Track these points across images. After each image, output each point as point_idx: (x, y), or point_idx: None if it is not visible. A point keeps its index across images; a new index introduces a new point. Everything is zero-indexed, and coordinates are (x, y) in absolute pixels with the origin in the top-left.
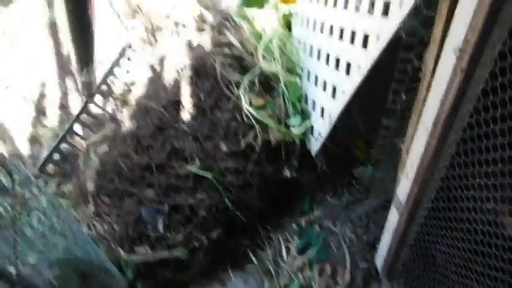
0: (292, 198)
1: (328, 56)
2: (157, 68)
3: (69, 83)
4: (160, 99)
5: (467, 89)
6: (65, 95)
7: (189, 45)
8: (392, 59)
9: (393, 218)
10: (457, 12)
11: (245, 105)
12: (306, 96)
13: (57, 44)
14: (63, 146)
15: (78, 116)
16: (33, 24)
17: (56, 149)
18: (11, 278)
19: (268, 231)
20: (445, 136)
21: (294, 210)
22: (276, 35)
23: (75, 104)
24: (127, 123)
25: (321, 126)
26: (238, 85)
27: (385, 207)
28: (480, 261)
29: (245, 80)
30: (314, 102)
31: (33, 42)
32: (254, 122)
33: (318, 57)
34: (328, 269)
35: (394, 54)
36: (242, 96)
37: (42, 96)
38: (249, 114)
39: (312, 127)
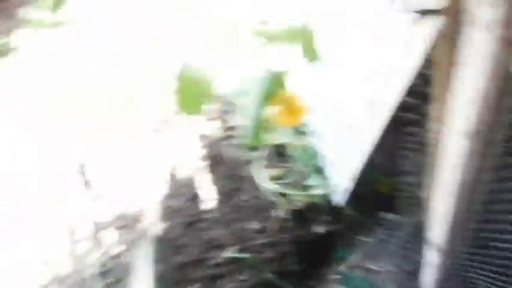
0: (327, 250)
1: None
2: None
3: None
4: (181, 195)
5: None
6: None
7: (202, 136)
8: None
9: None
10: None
11: (260, 183)
12: (318, 154)
13: None
14: None
15: None
16: None
17: None
18: None
19: None
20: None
21: (331, 261)
22: None
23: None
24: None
25: (344, 179)
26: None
27: (414, 235)
28: None
29: (255, 157)
30: (330, 159)
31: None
32: (276, 194)
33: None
34: None
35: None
36: (255, 174)
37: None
38: (268, 189)
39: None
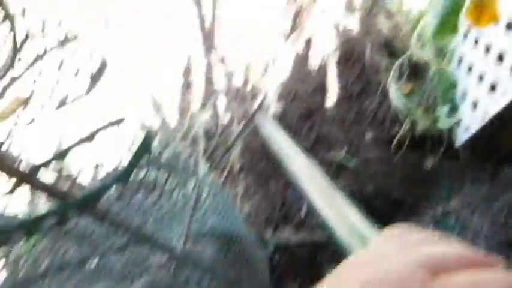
0: (431, 187)
1: (488, 47)
2: (303, 50)
3: (213, 57)
4: (306, 83)
5: None
6: (209, 68)
7: (337, 28)
8: None
9: None
10: None
11: (394, 93)
12: (455, 85)
13: (201, 19)
14: None
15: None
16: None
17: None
18: (174, 253)
19: (402, 221)
20: None
21: (430, 199)
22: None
23: (219, 77)
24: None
25: (472, 120)
26: (386, 71)
27: None
28: None
29: (395, 66)
30: (464, 94)
31: (178, 18)
32: (402, 110)
33: (475, 46)
34: None
35: None
36: (391, 83)
37: (188, 69)
38: (397, 102)
39: (460, 119)
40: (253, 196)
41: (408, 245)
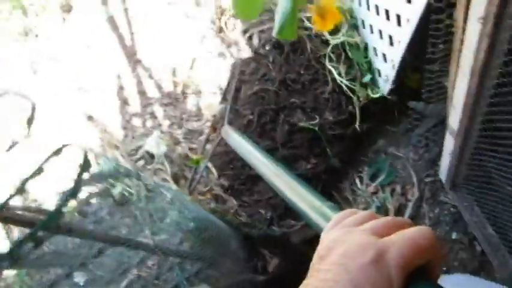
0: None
1: (377, 7)
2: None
3: (140, 71)
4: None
5: (495, 48)
6: (139, 82)
7: None
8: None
9: (449, 142)
10: None
11: (338, 77)
12: (367, 44)
13: (120, 37)
14: None
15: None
16: (94, 24)
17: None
18: (148, 247)
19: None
20: (481, 81)
21: (363, 145)
22: None
23: (150, 88)
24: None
25: (387, 70)
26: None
27: (438, 126)
28: None
29: (328, 52)
30: (375, 49)
31: (99, 41)
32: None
33: (368, 7)
34: (398, 189)
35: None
36: (332, 69)
37: (121, 87)
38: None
39: (379, 71)
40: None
41: (355, 224)
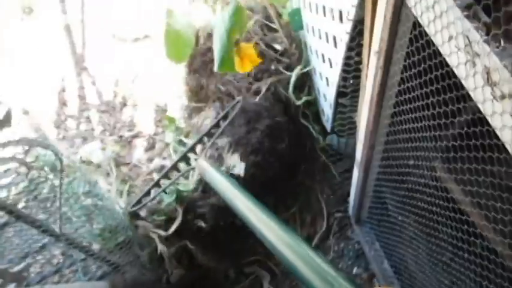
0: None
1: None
2: None
3: (84, 77)
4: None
5: (387, 79)
6: (81, 88)
7: None
8: None
9: (356, 175)
10: (375, 25)
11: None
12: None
13: (72, 44)
14: None
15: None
16: (50, 28)
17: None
18: (54, 233)
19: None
20: (378, 111)
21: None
22: None
23: (91, 94)
24: None
25: (327, 109)
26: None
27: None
28: (420, 210)
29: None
30: (318, 90)
31: (52, 45)
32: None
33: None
34: (308, 220)
35: None
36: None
37: (63, 89)
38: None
39: (323, 109)
40: None
41: None
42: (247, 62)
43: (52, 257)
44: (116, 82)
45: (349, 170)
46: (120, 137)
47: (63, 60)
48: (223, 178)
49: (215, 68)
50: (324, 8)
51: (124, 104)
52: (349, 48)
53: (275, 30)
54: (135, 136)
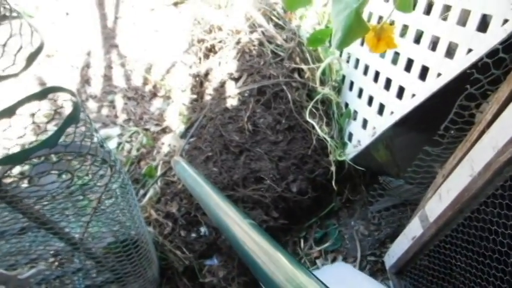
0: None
1: (377, 73)
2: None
3: (113, 56)
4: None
5: None
6: (108, 67)
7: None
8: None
9: (416, 227)
10: None
11: (319, 132)
12: (346, 103)
13: (103, 17)
14: None
15: None
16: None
17: None
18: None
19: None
20: (491, 180)
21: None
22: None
23: (118, 76)
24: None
25: (362, 136)
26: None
27: (397, 208)
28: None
29: (309, 106)
30: (356, 112)
31: (82, 16)
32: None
33: (365, 73)
34: (340, 259)
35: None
36: (314, 123)
37: (87, 65)
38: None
39: (351, 134)
40: None
41: None
42: (383, 43)
43: (60, 263)
44: (149, 68)
45: (389, 210)
46: (146, 129)
47: (91, 33)
48: (198, 176)
49: (334, 47)
50: None
51: (154, 94)
52: (470, 97)
53: None
54: (162, 131)
